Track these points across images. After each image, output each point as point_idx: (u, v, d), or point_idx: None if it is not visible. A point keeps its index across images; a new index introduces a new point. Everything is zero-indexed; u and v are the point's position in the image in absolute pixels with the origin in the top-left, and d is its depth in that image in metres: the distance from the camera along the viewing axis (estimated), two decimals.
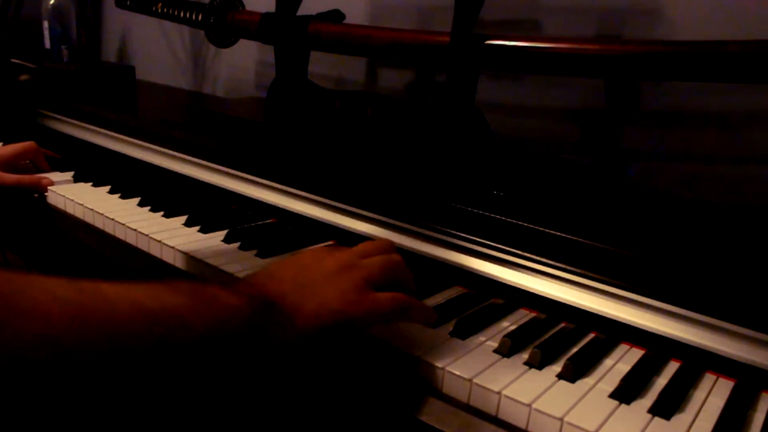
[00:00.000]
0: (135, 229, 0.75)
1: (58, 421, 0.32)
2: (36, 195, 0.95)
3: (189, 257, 0.68)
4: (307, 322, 0.46)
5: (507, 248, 0.61)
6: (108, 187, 0.92)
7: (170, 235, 0.73)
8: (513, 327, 0.56)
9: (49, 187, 0.92)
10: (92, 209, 0.82)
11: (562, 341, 0.54)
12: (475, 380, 0.47)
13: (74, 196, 0.87)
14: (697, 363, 0.52)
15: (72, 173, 1.00)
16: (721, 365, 0.51)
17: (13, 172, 0.96)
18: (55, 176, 0.98)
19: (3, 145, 1.02)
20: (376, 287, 0.50)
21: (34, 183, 0.94)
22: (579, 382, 0.48)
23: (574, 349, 0.53)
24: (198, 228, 0.76)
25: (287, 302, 0.46)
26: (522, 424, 0.45)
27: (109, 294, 0.36)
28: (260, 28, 0.99)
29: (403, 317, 0.52)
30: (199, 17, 1.12)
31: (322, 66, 1.12)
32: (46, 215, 0.91)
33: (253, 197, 0.83)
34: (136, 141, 1.02)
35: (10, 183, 0.94)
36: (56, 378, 0.31)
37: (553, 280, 0.59)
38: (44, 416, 0.31)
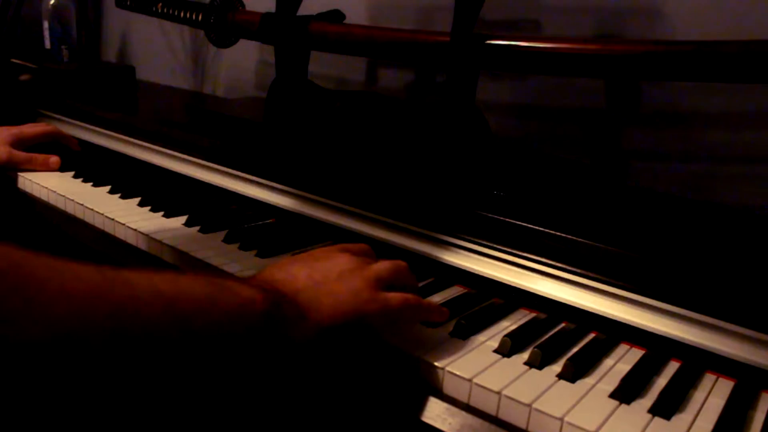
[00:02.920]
0: (135, 229, 0.76)
1: (77, 401, 0.33)
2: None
3: (189, 257, 0.68)
4: (321, 318, 0.46)
5: (507, 248, 0.61)
6: (108, 187, 0.92)
7: (170, 235, 0.73)
8: (513, 327, 0.56)
9: (49, 188, 0.92)
10: (92, 209, 0.82)
11: (562, 341, 0.54)
12: (475, 380, 0.47)
13: (74, 195, 0.87)
14: (697, 363, 0.52)
15: (72, 173, 1.00)
16: (721, 365, 0.51)
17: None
18: (55, 176, 0.99)
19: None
20: (385, 288, 0.51)
21: (44, 162, 1.00)
22: (579, 382, 0.48)
23: (574, 349, 0.53)
24: (198, 228, 0.76)
25: (301, 298, 0.47)
26: (522, 424, 0.45)
27: (130, 277, 0.37)
28: (260, 28, 0.99)
29: (414, 317, 0.52)
30: (200, 17, 1.12)
31: (322, 66, 1.12)
32: (45, 215, 0.91)
33: (253, 197, 0.83)
34: (136, 141, 1.02)
35: (23, 160, 0.99)
36: (79, 354, 0.33)
37: (553, 280, 0.59)
38: (66, 393, 0.33)
